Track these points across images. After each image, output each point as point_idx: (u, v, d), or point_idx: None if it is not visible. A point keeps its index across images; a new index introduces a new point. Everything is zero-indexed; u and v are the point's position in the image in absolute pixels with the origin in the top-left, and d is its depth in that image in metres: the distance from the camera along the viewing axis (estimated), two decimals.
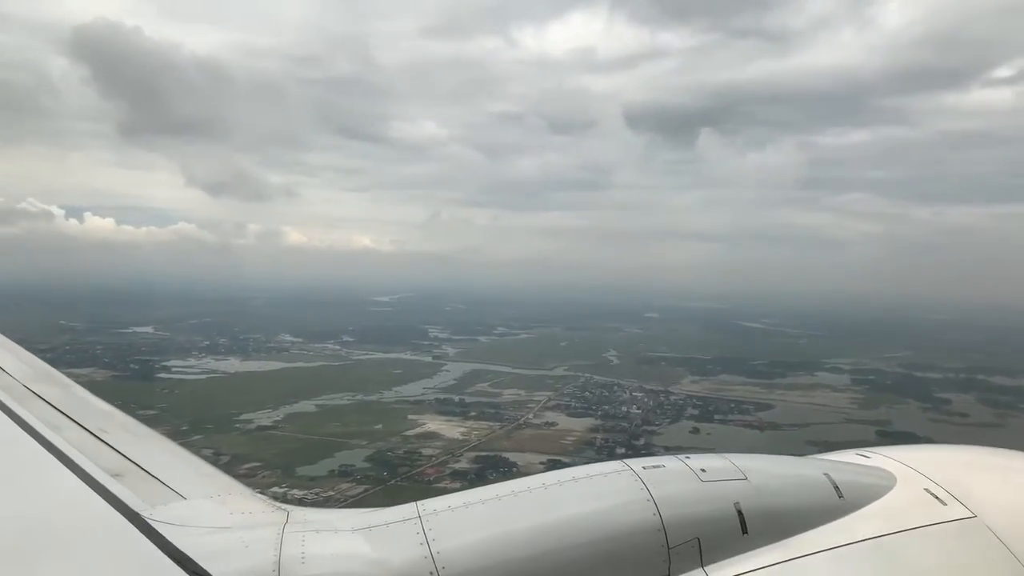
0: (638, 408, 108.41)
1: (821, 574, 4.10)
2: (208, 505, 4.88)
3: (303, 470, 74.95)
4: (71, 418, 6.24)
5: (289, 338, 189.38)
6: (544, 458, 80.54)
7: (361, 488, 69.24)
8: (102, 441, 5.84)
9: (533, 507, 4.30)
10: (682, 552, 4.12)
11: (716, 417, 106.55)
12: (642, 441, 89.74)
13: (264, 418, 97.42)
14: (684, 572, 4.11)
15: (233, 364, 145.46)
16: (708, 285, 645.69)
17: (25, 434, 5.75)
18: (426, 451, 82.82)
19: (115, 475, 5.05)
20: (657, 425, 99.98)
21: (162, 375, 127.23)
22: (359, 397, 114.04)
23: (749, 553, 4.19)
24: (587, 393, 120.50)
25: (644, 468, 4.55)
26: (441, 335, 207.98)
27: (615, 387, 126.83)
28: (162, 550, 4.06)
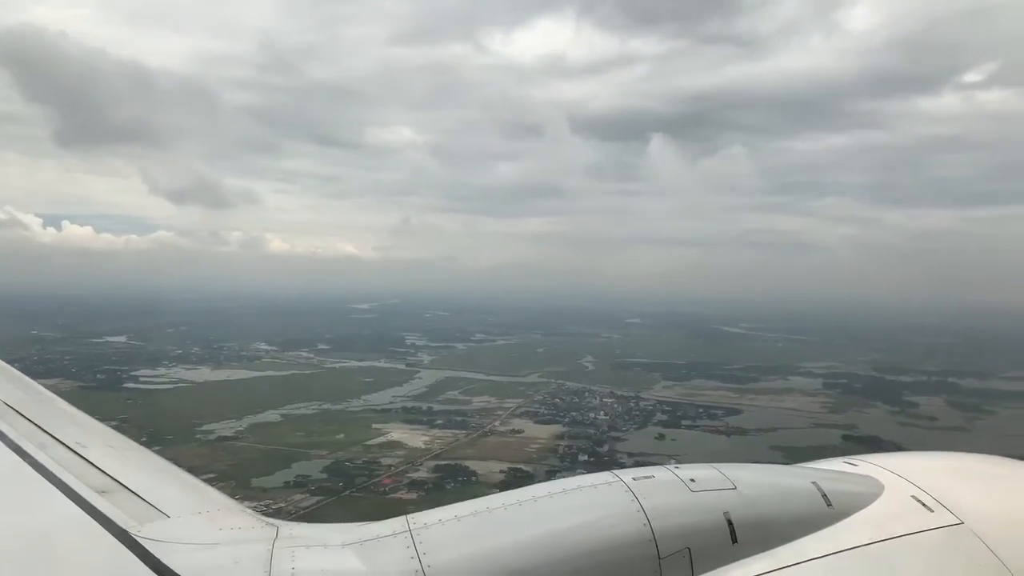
0: (606, 414, 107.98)
1: None
2: (197, 521, 4.83)
3: (258, 481, 73.80)
4: (55, 434, 6.19)
5: (264, 347, 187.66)
6: (505, 466, 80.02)
7: (314, 500, 68.26)
8: (87, 459, 5.77)
9: (524, 520, 4.31)
10: (673, 562, 4.13)
11: (684, 423, 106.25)
12: (606, 448, 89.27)
13: (226, 428, 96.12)
14: None
15: (203, 373, 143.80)
16: (692, 290, 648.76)
17: (9, 451, 5.72)
18: (386, 461, 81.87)
19: (101, 492, 5.02)
20: (623, 431, 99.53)
21: (129, 385, 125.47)
22: (325, 406, 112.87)
23: (739, 562, 4.20)
24: (557, 400, 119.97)
25: (634, 479, 4.56)
26: (418, 342, 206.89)
27: (586, 393, 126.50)
28: (150, 568, 4.01)
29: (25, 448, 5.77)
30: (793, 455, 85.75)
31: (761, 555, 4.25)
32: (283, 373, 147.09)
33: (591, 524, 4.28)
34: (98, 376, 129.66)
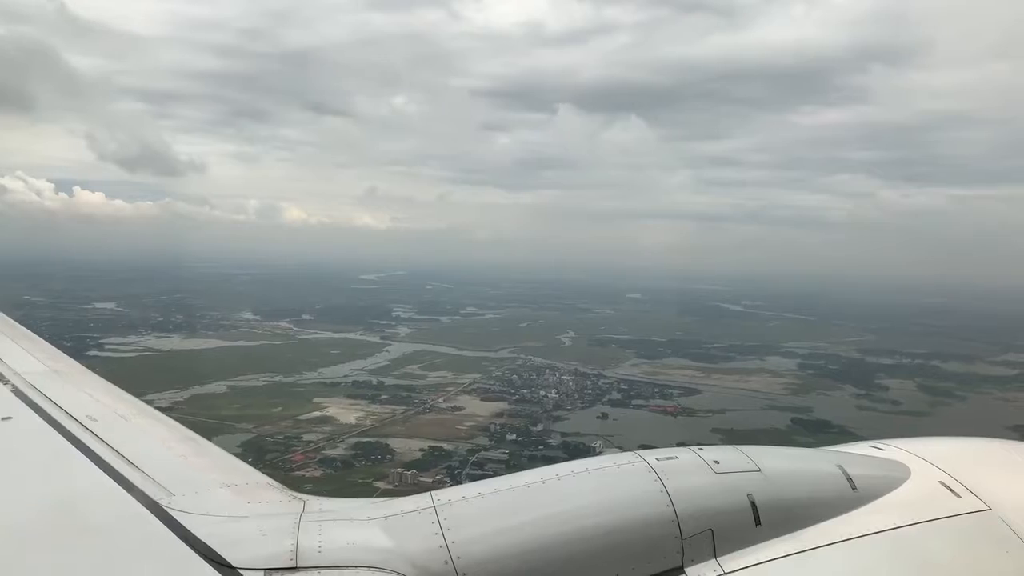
0: (558, 392, 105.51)
1: (834, 566, 4.13)
2: (226, 494, 4.90)
3: None
4: (88, 406, 6.51)
5: (247, 316, 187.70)
6: (427, 444, 78.46)
7: None
8: (120, 430, 6.01)
9: (547, 498, 4.31)
10: (695, 543, 4.14)
11: (634, 402, 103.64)
12: (540, 427, 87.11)
13: (165, 399, 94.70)
14: (697, 563, 4.12)
15: (173, 342, 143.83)
16: (704, 266, 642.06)
17: (44, 423, 6.01)
18: (308, 436, 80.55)
19: (134, 464, 5.18)
20: (568, 410, 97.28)
21: (92, 353, 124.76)
22: (277, 378, 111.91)
23: (762, 544, 4.20)
24: (515, 376, 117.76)
25: (658, 460, 4.53)
26: (404, 315, 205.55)
27: (547, 370, 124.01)
28: (181, 539, 4.14)
29: (61, 421, 5.99)
30: (731, 438, 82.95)
31: (785, 537, 4.23)
32: (253, 343, 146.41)
33: (614, 504, 4.26)
34: (65, 343, 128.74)
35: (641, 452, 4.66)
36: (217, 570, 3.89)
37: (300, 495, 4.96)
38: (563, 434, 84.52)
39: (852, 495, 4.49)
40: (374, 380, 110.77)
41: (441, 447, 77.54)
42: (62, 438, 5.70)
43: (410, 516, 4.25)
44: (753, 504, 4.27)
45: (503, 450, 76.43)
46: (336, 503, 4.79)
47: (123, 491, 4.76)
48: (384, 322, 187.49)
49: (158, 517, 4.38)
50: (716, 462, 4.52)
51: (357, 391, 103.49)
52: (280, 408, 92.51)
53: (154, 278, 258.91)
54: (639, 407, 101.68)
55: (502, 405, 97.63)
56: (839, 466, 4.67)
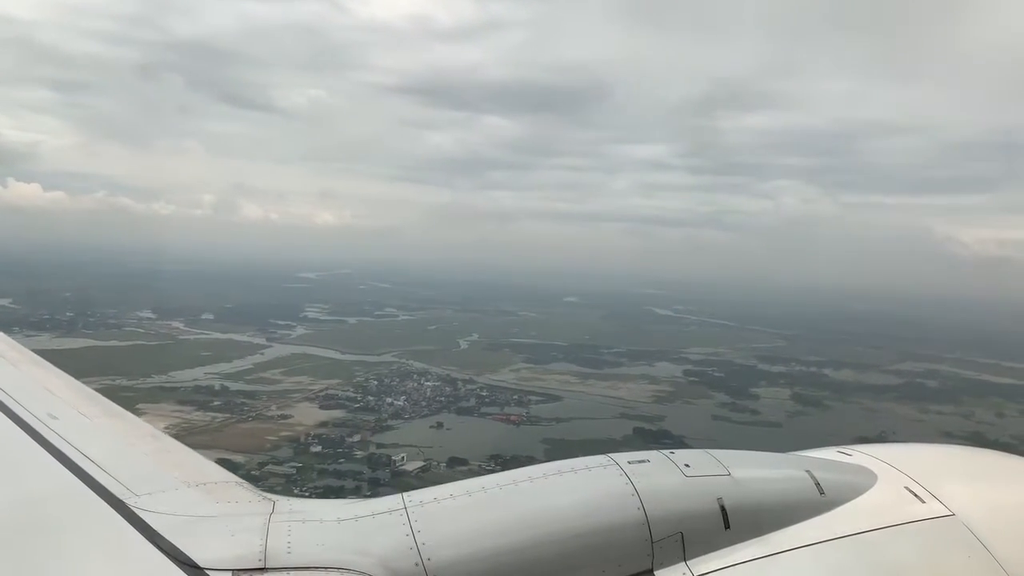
0: (407, 399, 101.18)
1: (802, 570, 4.17)
2: (194, 494, 4.78)
3: None
4: (48, 401, 6.26)
5: (144, 314, 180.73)
6: (218, 457, 73.34)
7: None
8: (82, 427, 5.83)
9: (519, 499, 4.29)
10: (665, 546, 4.15)
11: (485, 410, 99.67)
12: (356, 438, 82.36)
13: None
14: (667, 566, 4.14)
15: (40, 341, 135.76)
16: (659, 270, 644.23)
17: (7, 420, 5.75)
18: None
19: (99, 463, 5.01)
20: (407, 419, 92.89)
21: None
22: (119, 381, 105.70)
23: (731, 548, 4.22)
24: (375, 382, 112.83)
25: (629, 462, 4.55)
26: (312, 315, 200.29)
27: (415, 375, 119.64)
28: (148, 539, 4.06)
29: (24, 417, 5.75)
30: (555, 448, 78.89)
31: (753, 541, 4.25)
32: (124, 343, 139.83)
33: (585, 506, 4.23)
34: None
35: (613, 455, 4.58)
36: (184, 570, 3.77)
37: (270, 495, 4.77)
38: (379, 445, 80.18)
39: (820, 500, 4.47)
40: (219, 385, 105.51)
41: (231, 460, 72.49)
42: (23, 433, 5.47)
43: (381, 517, 4.17)
44: (722, 508, 4.26)
45: (293, 464, 71.95)
46: (307, 503, 4.68)
47: (87, 489, 4.59)
48: (284, 323, 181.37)
49: (124, 517, 4.25)
50: (687, 465, 4.48)
51: (192, 397, 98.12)
52: None
53: (74, 274, 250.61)
54: (486, 415, 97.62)
55: (336, 414, 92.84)
56: (807, 471, 4.65)
